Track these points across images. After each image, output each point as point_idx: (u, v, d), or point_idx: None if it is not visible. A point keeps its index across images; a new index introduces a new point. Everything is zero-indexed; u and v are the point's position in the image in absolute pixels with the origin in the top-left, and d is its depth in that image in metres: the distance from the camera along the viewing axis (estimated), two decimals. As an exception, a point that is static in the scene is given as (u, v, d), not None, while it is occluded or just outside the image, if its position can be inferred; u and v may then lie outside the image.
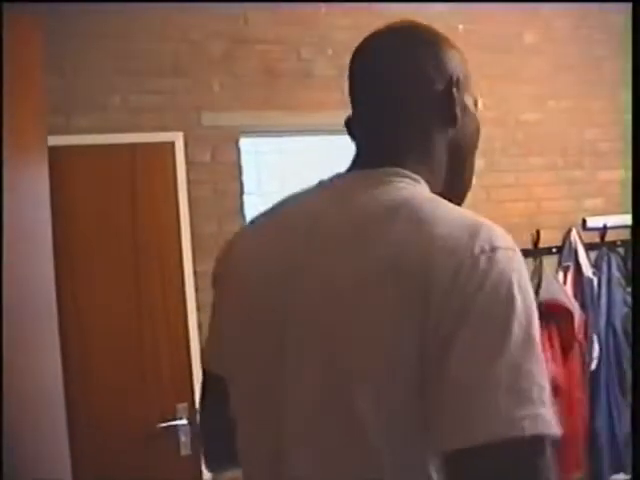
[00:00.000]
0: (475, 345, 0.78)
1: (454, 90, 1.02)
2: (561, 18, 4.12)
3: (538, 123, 4.00)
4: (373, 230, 0.90)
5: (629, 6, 4.16)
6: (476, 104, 1.11)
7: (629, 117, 4.18)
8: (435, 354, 0.79)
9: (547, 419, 0.76)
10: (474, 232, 0.84)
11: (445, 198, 1.00)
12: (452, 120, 1.03)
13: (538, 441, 0.75)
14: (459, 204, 1.08)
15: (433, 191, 1.00)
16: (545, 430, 0.75)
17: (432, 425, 0.80)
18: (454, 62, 1.06)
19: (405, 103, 1.03)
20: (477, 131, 1.10)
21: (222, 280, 1.13)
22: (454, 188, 1.10)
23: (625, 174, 4.18)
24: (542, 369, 0.78)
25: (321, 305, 0.90)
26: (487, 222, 0.88)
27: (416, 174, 0.99)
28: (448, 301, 0.80)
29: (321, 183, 1.07)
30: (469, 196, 4.17)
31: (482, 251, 0.82)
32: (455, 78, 1.03)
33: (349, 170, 1.06)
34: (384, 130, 1.05)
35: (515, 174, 3.91)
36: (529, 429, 0.74)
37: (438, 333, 0.80)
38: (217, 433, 1.20)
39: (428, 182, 1.01)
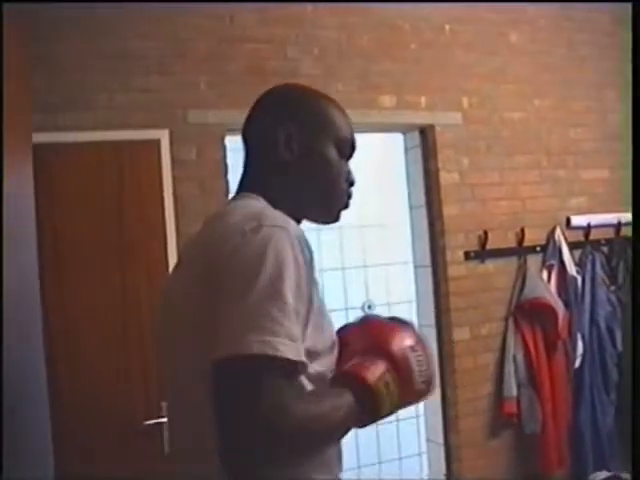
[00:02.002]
0: (232, 293, 1.06)
1: (283, 139, 1.32)
2: (545, 18, 4.15)
3: (523, 122, 4.03)
4: (203, 230, 1.27)
5: (613, 6, 4.21)
6: (339, 147, 1.37)
7: (613, 117, 4.23)
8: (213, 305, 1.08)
9: (275, 345, 1.00)
10: (250, 217, 1.14)
11: (308, 212, 1.37)
12: (281, 159, 1.33)
13: (265, 359, 0.99)
14: (331, 219, 1.41)
15: (280, 205, 1.27)
16: (271, 352, 0.99)
17: None
18: (298, 117, 1.35)
19: (253, 148, 1.39)
20: (326, 167, 1.36)
21: None
22: (316, 205, 1.40)
23: (609, 174, 4.22)
24: (287, 314, 1.03)
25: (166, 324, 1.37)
26: (268, 211, 1.19)
27: (259, 194, 1.31)
28: (222, 266, 1.09)
29: None
30: (455, 194, 4.14)
31: (250, 228, 1.11)
32: (288, 132, 1.33)
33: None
34: (245, 166, 1.41)
35: (500, 172, 3.93)
36: (257, 349, 0.99)
37: (214, 290, 1.09)
38: None
39: (270, 198, 1.30)
